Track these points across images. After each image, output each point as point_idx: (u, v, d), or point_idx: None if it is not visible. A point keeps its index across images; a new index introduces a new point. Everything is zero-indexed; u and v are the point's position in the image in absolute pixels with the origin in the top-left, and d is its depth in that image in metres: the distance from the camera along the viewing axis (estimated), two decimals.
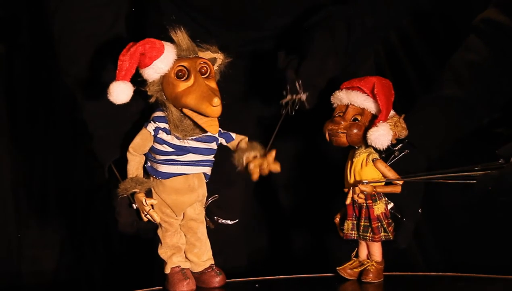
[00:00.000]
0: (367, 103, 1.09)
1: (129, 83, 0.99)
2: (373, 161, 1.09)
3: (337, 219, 1.15)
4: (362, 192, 1.08)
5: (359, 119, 1.09)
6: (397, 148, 1.10)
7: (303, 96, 1.11)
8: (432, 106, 1.26)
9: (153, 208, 1.03)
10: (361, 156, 1.10)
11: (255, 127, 1.27)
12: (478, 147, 1.37)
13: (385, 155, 1.10)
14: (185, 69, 1.00)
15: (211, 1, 1.28)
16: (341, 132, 1.08)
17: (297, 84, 1.10)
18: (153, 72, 1.00)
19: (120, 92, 0.98)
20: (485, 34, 1.26)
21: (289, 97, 1.10)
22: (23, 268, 1.70)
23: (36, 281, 1.70)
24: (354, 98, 1.09)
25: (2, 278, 1.68)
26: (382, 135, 1.06)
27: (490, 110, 1.30)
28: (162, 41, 1.00)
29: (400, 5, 1.29)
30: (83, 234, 1.70)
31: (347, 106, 1.10)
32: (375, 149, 1.10)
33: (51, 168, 1.73)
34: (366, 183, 1.08)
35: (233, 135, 1.08)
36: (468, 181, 1.02)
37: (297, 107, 1.10)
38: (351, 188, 1.09)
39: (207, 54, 1.04)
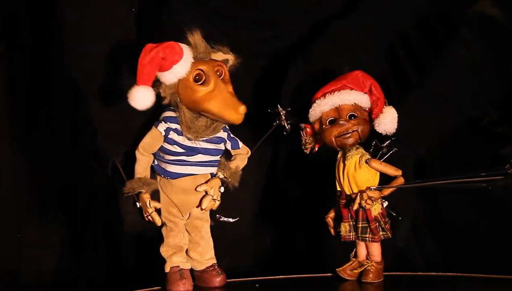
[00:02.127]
0: (359, 97, 1.10)
1: (151, 88, 0.98)
2: (366, 162, 1.09)
3: (329, 219, 1.16)
4: (370, 198, 1.08)
5: (356, 115, 1.09)
6: (384, 145, 1.10)
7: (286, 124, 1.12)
8: (422, 103, 1.26)
9: (156, 211, 1.04)
10: (353, 158, 1.10)
11: (264, 128, 1.27)
12: (468, 143, 1.37)
13: (372, 151, 1.10)
14: (203, 73, 1.00)
15: (224, 0, 1.29)
16: (353, 131, 1.08)
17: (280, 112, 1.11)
18: (173, 76, 0.99)
19: (143, 97, 0.97)
20: (477, 27, 1.26)
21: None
22: (23, 268, 1.70)
23: (36, 281, 1.69)
24: (346, 97, 1.09)
25: (2, 278, 1.68)
26: (394, 118, 1.07)
27: (479, 106, 1.30)
28: (181, 45, 0.99)
29: (403, 9, 1.29)
30: (83, 234, 1.70)
31: (337, 109, 1.10)
32: (365, 149, 1.10)
33: (51, 168, 1.72)
34: (374, 189, 1.08)
35: (240, 144, 1.09)
36: (478, 186, 1.02)
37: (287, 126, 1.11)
38: (359, 194, 1.08)
39: (219, 55, 1.05)
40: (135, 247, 1.56)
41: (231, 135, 1.08)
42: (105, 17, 1.20)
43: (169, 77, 0.99)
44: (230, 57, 1.07)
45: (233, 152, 1.10)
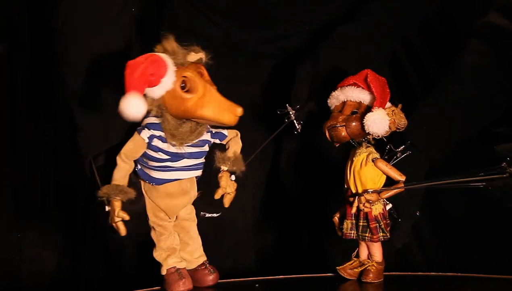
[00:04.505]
0: (363, 96, 1.10)
1: (143, 98, 0.95)
2: (373, 160, 1.09)
3: (336, 218, 1.16)
4: (367, 201, 1.08)
5: (358, 113, 1.10)
6: (399, 149, 1.10)
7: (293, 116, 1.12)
8: (435, 109, 1.26)
9: (122, 221, 1.02)
10: (361, 155, 1.10)
11: (268, 128, 1.27)
12: (480, 149, 1.37)
13: (388, 156, 1.10)
14: (187, 79, 0.98)
15: (229, 1, 1.29)
16: (340, 126, 1.08)
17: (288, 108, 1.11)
18: (162, 89, 0.97)
19: (137, 105, 0.93)
20: (487, 37, 1.27)
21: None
22: (23, 268, 1.70)
23: (36, 281, 1.69)
24: (349, 93, 1.10)
25: (2, 278, 1.68)
26: (378, 119, 1.06)
27: (492, 113, 1.30)
28: (162, 56, 0.97)
29: (408, 14, 1.30)
30: (83, 234, 1.70)
31: (343, 103, 1.10)
32: (376, 148, 1.11)
33: (51, 168, 1.73)
34: (371, 192, 1.08)
35: (225, 132, 1.08)
36: (476, 184, 1.02)
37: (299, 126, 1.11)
38: (357, 197, 1.08)
39: (192, 56, 1.03)
40: (135, 247, 1.56)
41: (214, 131, 1.07)
42: (106, 18, 1.20)
43: (159, 91, 0.97)
44: (202, 55, 1.04)
45: (225, 142, 1.09)
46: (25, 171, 1.72)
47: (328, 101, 1.12)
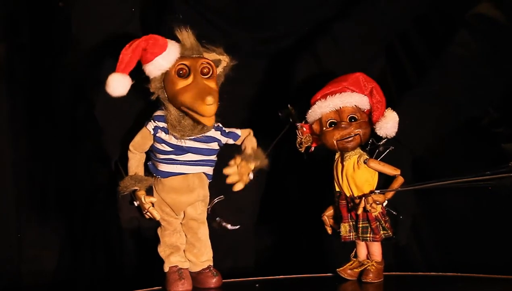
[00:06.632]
0: (359, 100, 1.10)
1: (128, 76, 0.99)
2: (365, 162, 1.09)
3: (325, 217, 1.16)
4: (375, 201, 1.07)
5: (357, 117, 1.09)
6: (381, 143, 1.09)
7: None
8: (418, 102, 1.26)
9: (153, 206, 1.04)
10: (351, 158, 1.10)
11: (268, 129, 1.27)
12: (466, 142, 1.37)
13: (369, 149, 1.10)
14: (186, 68, 1.00)
15: (226, 1, 1.29)
16: (355, 135, 1.08)
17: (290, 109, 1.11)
18: (154, 68, 1.00)
19: (119, 84, 0.99)
20: (476, 29, 1.26)
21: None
22: (23, 268, 1.70)
23: (36, 281, 1.70)
24: (347, 99, 1.09)
25: (2, 278, 1.68)
26: (395, 122, 1.08)
27: (478, 106, 1.30)
28: (167, 39, 1.00)
29: (403, 10, 1.30)
30: (83, 234, 1.70)
31: (337, 111, 1.09)
32: (362, 149, 1.11)
33: (52, 168, 1.73)
34: (378, 193, 1.08)
35: (238, 132, 1.09)
36: (484, 184, 1.02)
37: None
38: (364, 198, 1.08)
39: (212, 56, 1.05)
40: (135, 247, 1.56)
41: (227, 131, 1.08)
42: (105, 18, 1.20)
43: (151, 69, 1.00)
44: (224, 58, 1.06)
45: (238, 143, 1.09)
46: (25, 170, 1.72)
47: (313, 111, 1.10)
